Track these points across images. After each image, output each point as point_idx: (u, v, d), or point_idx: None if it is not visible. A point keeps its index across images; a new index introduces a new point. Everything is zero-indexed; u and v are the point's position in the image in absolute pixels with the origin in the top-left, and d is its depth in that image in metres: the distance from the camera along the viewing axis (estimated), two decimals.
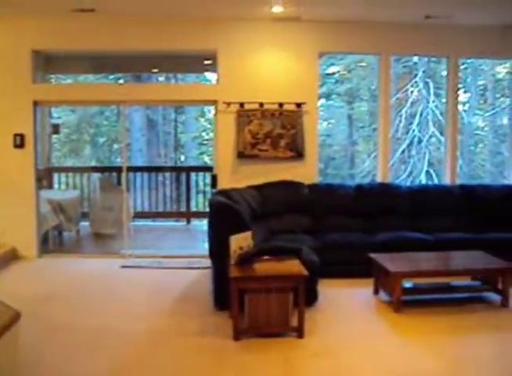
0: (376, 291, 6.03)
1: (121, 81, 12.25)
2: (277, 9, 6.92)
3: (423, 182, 11.34)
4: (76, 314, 5.37)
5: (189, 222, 10.75)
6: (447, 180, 8.26)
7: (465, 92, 11.66)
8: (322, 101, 12.51)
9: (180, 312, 5.44)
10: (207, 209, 5.90)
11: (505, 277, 5.66)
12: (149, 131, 14.21)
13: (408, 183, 9.97)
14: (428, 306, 5.63)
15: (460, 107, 9.43)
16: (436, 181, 11.10)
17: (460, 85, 9.29)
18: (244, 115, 7.51)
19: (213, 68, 7.89)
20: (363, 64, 12.59)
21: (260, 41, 7.60)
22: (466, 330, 5.01)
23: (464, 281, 6.08)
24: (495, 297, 5.84)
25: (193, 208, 11.01)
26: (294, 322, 4.76)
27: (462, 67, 9.51)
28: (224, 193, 6.43)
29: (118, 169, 9.68)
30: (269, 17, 7.35)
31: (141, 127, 14.03)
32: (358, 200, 7.48)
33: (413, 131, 11.51)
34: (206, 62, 8.41)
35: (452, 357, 4.40)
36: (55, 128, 9.67)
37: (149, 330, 4.93)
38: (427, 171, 11.49)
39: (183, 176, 10.98)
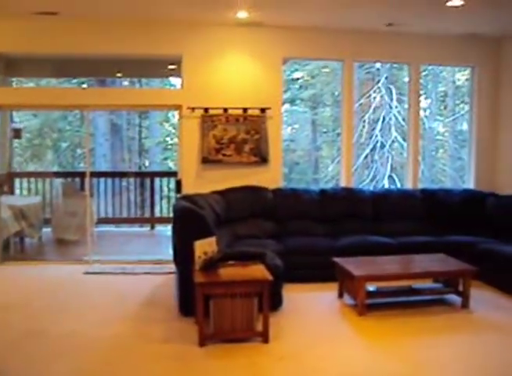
0: (340, 295, 6.08)
1: (85, 86, 12.14)
2: (242, 15, 6.96)
3: (386, 186, 11.48)
4: (39, 322, 5.28)
5: (153, 227, 10.69)
6: (409, 184, 8.39)
7: (426, 98, 11.86)
8: (287, 106, 12.59)
9: (145, 318, 5.41)
10: (172, 214, 5.88)
11: (465, 279, 5.78)
12: (113, 136, 14.10)
13: (371, 188, 10.08)
14: (392, 309, 5.70)
15: (422, 113, 9.58)
16: (398, 185, 11.24)
17: (421, 92, 9.44)
18: (208, 120, 7.51)
19: (177, 73, 7.88)
20: (327, 70, 12.70)
21: (225, 47, 7.62)
22: (428, 332, 5.09)
23: (426, 284, 6.18)
24: (456, 298, 5.95)
25: (158, 214, 10.95)
26: (259, 327, 4.77)
27: (423, 74, 9.67)
28: (188, 198, 6.41)
29: (81, 174, 9.58)
30: (234, 22, 7.38)
31: (105, 132, 13.91)
32: (322, 205, 7.55)
33: (376, 136, 11.65)
34: (170, 67, 8.39)
35: (415, 359, 4.46)
36: (17, 133, 9.50)
37: (113, 337, 4.88)
38: (390, 176, 11.64)
39: (147, 181, 10.90)
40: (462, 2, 6.29)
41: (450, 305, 5.88)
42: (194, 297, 4.71)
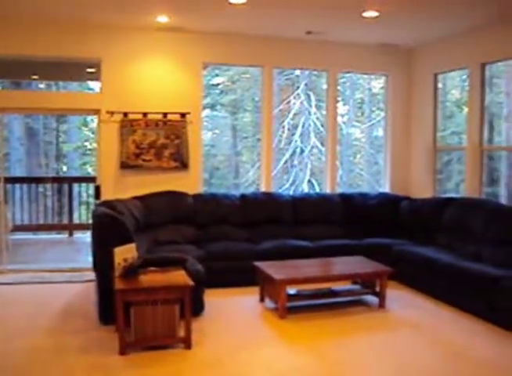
0: (261, 299, 6.14)
1: None
2: (162, 19, 6.93)
3: (306, 190, 11.66)
4: None
5: (71, 234, 10.44)
6: (328, 189, 8.58)
7: (344, 104, 12.15)
8: (207, 111, 12.59)
9: (63, 328, 5.27)
10: (91, 221, 5.77)
11: (382, 280, 5.98)
12: (29, 141, 13.68)
13: (291, 192, 10.21)
14: (312, 311, 5.82)
15: (340, 119, 9.82)
16: (317, 190, 11.44)
17: (339, 98, 9.67)
18: (128, 125, 7.42)
19: (96, 76, 7.74)
20: (247, 76, 12.79)
21: (145, 51, 7.55)
22: (347, 332, 5.24)
23: (345, 286, 6.34)
24: (373, 299, 6.15)
25: (76, 220, 10.71)
26: (182, 333, 4.75)
27: (341, 81, 9.91)
28: (107, 204, 6.31)
29: None
30: (154, 27, 7.33)
31: (20, 136, 13.47)
32: (242, 210, 7.60)
33: (296, 141, 11.83)
34: (89, 70, 8.22)
35: (335, 358, 4.58)
36: None
37: (30, 349, 4.72)
38: (309, 181, 11.84)
39: (65, 187, 10.64)
40: (377, 13, 6.52)
41: (368, 306, 6.06)
42: (114, 305, 4.65)
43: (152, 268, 5.13)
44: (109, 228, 5.31)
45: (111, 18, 6.96)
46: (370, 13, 6.52)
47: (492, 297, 5.45)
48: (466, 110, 7.91)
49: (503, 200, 9.71)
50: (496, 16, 6.59)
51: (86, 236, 9.23)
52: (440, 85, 8.56)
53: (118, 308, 4.57)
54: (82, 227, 10.43)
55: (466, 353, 4.72)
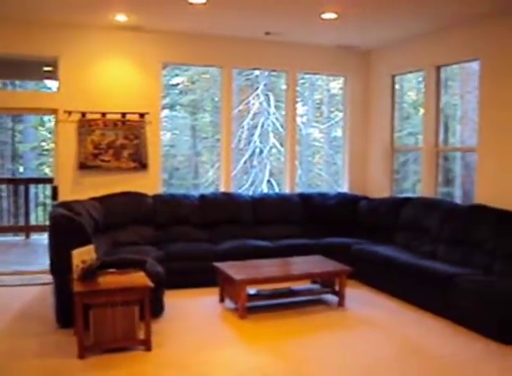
0: (221, 299, 6.14)
1: None
2: (121, 18, 6.87)
3: (265, 191, 11.70)
4: None
5: (28, 236, 10.24)
6: (287, 189, 8.63)
7: (303, 105, 12.24)
8: (166, 112, 12.52)
9: (19, 332, 5.16)
10: (48, 222, 5.68)
11: (341, 279, 6.05)
12: None
13: (250, 192, 10.24)
14: (272, 311, 5.85)
15: (299, 120, 9.88)
16: (277, 190, 11.50)
17: (298, 99, 9.74)
18: (86, 125, 7.33)
19: (54, 75, 7.61)
20: (207, 76, 12.77)
21: (103, 50, 7.46)
22: (308, 331, 5.28)
23: (305, 285, 6.39)
24: (332, 298, 6.22)
25: (33, 222, 10.49)
26: (141, 335, 4.72)
27: (300, 82, 9.98)
28: (65, 205, 6.22)
29: None
30: (113, 25, 7.26)
31: None
32: (202, 210, 7.58)
33: (255, 142, 11.86)
34: (46, 68, 8.08)
35: (296, 357, 4.62)
36: None
37: None
38: (269, 181, 11.89)
39: (22, 188, 10.42)
40: (335, 15, 6.58)
41: (327, 305, 6.13)
42: (73, 307, 4.58)
43: (111, 269, 5.07)
44: (66, 229, 5.24)
45: (69, 16, 6.85)
46: (329, 15, 6.58)
47: (447, 294, 5.57)
48: (422, 111, 8.06)
49: (458, 200, 9.90)
50: (450, 20, 6.73)
51: (43, 238, 9.06)
52: (397, 87, 8.69)
53: (77, 310, 4.51)
54: (39, 229, 10.24)
55: (422, 350, 4.82)
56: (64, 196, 7.21)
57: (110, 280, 4.83)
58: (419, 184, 8.30)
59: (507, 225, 5.86)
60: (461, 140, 9.52)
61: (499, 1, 5.91)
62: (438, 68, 7.54)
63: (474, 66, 7.31)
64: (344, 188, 9.01)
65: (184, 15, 6.70)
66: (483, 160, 6.74)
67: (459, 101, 9.56)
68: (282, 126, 10.75)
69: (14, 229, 10.53)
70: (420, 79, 8.33)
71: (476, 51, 6.79)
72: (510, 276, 5.27)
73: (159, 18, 6.98)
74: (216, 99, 12.12)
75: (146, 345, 4.68)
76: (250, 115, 11.95)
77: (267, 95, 11.97)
